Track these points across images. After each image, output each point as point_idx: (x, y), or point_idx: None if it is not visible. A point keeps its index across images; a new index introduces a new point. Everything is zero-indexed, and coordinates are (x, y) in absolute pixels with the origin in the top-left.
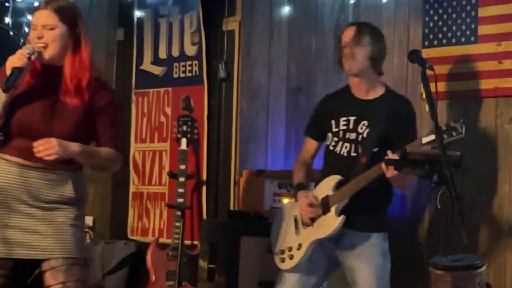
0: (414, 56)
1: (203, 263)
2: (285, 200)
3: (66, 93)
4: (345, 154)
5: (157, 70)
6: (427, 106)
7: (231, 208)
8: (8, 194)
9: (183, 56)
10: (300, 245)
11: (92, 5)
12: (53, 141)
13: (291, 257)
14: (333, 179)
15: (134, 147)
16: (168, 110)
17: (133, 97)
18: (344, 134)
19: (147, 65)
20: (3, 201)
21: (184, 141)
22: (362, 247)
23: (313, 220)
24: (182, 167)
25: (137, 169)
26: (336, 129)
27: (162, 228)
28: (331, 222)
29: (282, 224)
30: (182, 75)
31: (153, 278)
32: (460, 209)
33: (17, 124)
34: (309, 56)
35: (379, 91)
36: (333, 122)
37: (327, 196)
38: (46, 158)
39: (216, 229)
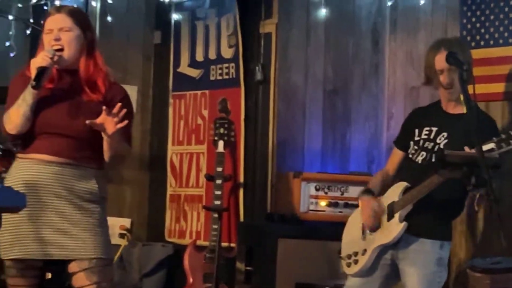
0: (451, 58)
1: (240, 265)
2: (322, 203)
3: (85, 92)
4: (420, 162)
5: (194, 73)
6: (464, 108)
7: (268, 211)
8: (44, 190)
9: (220, 59)
10: (365, 250)
11: (130, 9)
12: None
13: (356, 262)
14: (400, 186)
15: (172, 150)
16: (205, 113)
17: (170, 100)
18: (423, 143)
19: (184, 68)
20: (36, 199)
21: (221, 143)
22: (416, 252)
23: (378, 226)
24: (219, 169)
25: (174, 171)
26: (418, 138)
27: (199, 231)
28: (394, 228)
29: (352, 229)
30: (219, 77)
31: (191, 280)
32: (499, 211)
33: (43, 124)
34: (346, 59)
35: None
36: (416, 131)
37: (392, 203)
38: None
39: (253, 231)
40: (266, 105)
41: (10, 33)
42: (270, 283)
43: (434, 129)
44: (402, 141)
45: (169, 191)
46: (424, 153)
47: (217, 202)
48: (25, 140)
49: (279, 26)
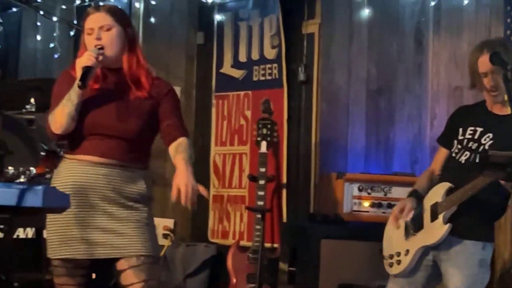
0: (495, 58)
1: (283, 266)
2: (366, 203)
3: (130, 90)
4: (463, 162)
5: (237, 73)
6: (509, 109)
7: (311, 211)
8: (92, 192)
9: (263, 59)
10: (407, 251)
11: (173, 10)
12: (182, 183)
13: (398, 262)
14: (443, 186)
15: (214, 150)
16: (248, 113)
17: (213, 101)
18: (467, 143)
19: (227, 69)
20: (85, 201)
21: (264, 144)
22: (457, 253)
23: (420, 226)
24: (262, 170)
25: (217, 172)
26: (462, 137)
27: (242, 231)
28: (438, 229)
29: (393, 229)
30: (262, 78)
31: (234, 280)
32: None
33: (91, 125)
34: (389, 58)
35: None
36: (460, 130)
37: (436, 203)
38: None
39: (296, 232)
40: (309, 106)
41: (54, 34)
42: (313, 284)
43: (479, 129)
44: (446, 139)
45: (212, 192)
46: (468, 153)
47: (260, 203)
48: (73, 141)
49: (322, 27)
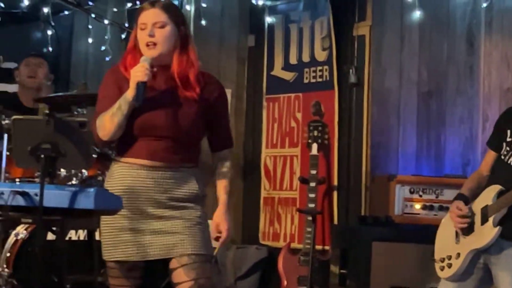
0: None
1: (334, 268)
2: (417, 206)
3: (178, 89)
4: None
5: (288, 76)
6: None
7: (362, 213)
8: (143, 195)
9: (313, 62)
10: (458, 254)
11: (224, 12)
12: (226, 235)
13: (449, 266)
14: (494, 189)
15: (265, 153)
16: (299, 115)
17: (264, 103)
18: None
19: (277, 71)
20: (137, 204)
21: (315, 146)
22: (508, 256)
23: (471, 229)
24: (313, 172)
25: (268, 174)
26: (510, 139)
27: (293, 233)
28: (488, 232)
29: (445, 232)
30: (312, 80)
31: (285, 283)
32: None
33: (140, 127)
34: (441, 61)
35: None
36: (508, 131)
37: (486, 206)
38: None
39: (347, 234)
40: (360, 108)
41: (106, 37)
42: (364, 286)
43: None
44: (494, 141)
45: (263, 194)
46: None
47: (311, 205)
48: (123, 143)
49: (373, 29)
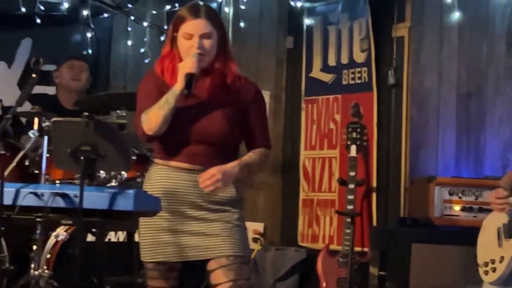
0: None
1: (373, 270)
2: (456, 207)
3: (216, 93)
4: None
5: (327, 77)
6: None
7: (401, 215)
8: (181, 198)
9: (352, 63)
10: (502, 258)
11: (262, 14)
12: (216, 173)
13: (494, 270)
14: None
15: (304, 154)
16: (338, 117)
17: (303, 105)
18: None
19: (316, 73)
20: (175, 206)
21: (353, 148)
22: None
23: None
24: (352, 173)
25: (307, 176)
26: None
27: (332, 235)
28: None
29: (486, 235)
30: (351, 82)
31: (324, 284)
32: None
33: (179, 130)
34: (480, 61)
35: None
36: None
37: None
38: (212, 190)
39: (386, 236)
40: (399, 109)
41: (145, 39)
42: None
43: None
44: None
45: (302, 196)
46: None
47: (350, 207)
48: (162, 145)
49: (411, 30)
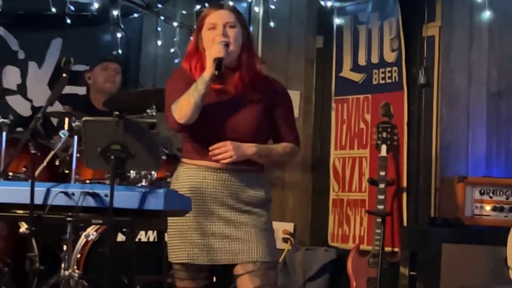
0: None
1: (404, 270)
2: (487, 207)
3: (244, 92)
4: None
5: (357, 77)
6: None
7: (432, 215)
8: (210, 198)
9: (382, 63)
10: None
11: (292, 14)
12: (229, 144)
13: None
14: None
15: (334, 154)
16: (368, 117)
17: (333, 104)
18: None
19: (346, 72)
20: (203, 206)
21: (384, 147)
22: None
23: None
24: (382, 173)
25: (337, 176)
26: None
27: (362, 235)
28: None
29: None
30: (381, 81)
31: (354, 284)
32: None
33: (207, 128)
34: (510, 60)
35: None
36: None
37: None
38: (222, 161)
39: (417, 236)
40: (429, 109)
41: (175, 39)
42: None
43: None
44: None
45: (332, 196)
46: None
47: (380, 207)
48: (190, 144)
49: (442, 29)
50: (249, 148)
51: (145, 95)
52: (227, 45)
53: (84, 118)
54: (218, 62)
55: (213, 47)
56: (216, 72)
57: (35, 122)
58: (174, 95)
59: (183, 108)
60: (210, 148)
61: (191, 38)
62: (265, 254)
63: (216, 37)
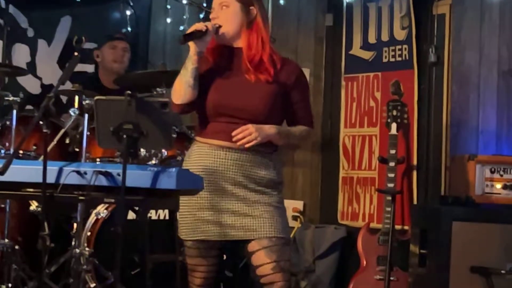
0: None
1: (414, 248)
2: (498, 185)
3: (251, 71)
4: None
5: (367, 55)
6: None
7: (442, 193)
8: (222, 176)
9: (392, 40)
10: None
11: None
12: (251, 127)
13: None
14: None
15: (344, 132)
16: (378, 95)
17: (343, 82)
18: None
19: (356, 50)
20: (215, 184)
21: (394, 125)
22: None
23: None
24: (392, 152)
25: (346, 154)
26: None
27: (372, 213)
28: None
29: None
30: (391, 59)
31: (364, 263)
32: None
33: (214, 106)
34: None
35: None
36: None
37: None
38: (247, 145)
39: (427, 214)
40: (439, 87)
41: (184, 17)
42: (445, 266)
43: None
44: None
45: (342, 174)
46: None
47: (390, 185)
48: (202, 124)
49: (453, 7)
50: (270, 129)
51: (155, 74)
52: (219, 27)
53: (96, 98)
54: (191, 32)
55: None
56: (181, 38)
57: (47, 101)
58: None
59: (177, 88)
60: (232, 134)
61: (201, 16)
62: (280, 230)
63: (212, 20)
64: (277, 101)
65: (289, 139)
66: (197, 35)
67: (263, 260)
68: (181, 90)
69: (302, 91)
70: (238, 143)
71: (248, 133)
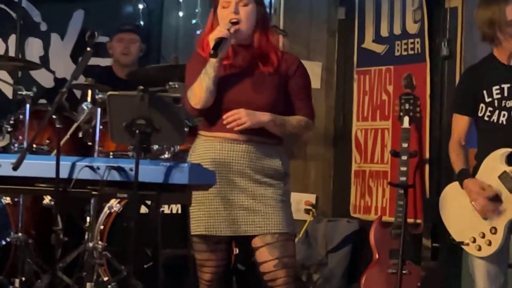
0: None
1: (426, 242)
2: None
3: (259, 67)
4: (504, 123)
5: (379, 48)
6: None
7: None
8: (229, 169)
9: (405, 34)
10: (494, 229)
11: None
12: (242, 111)
13: (489, 243)
14: (501, 154)
15: (356, 126)
16: (390, 88)
17: (355, 76)
18: (499, 103)
19: (368, 43)
20: (222, 178)
21: (406, 119)
22: None
23: (497, 200)
24: (405, 145)
25: (359, 147)
26: (490, 99)
27: (384, 207)
28: None
29: (458, 210)
30: (404, 53)
31: (376, 256)
32: None
33: (224, 101)
34: None
35: None
36: (484, 92)
37: (505, 173)
38: (236, 128)
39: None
40: (451, 81)
41: (196, 10)
42: (457, 260)
43: (506, 86)
44: (466, 106)
45: (354, 167)
46: (505, 112)
47: (403, 178)
48: (208, 117)
49: (465, 0)
50: (264, 116)
51: (167, 68)
52: (237, 23)
53: (109, 93)
54: (216, 42)
55: (216, 29)
56: (212, 52)
57: (60, 96)
58: (190, 79)
59: (197, 93)
60: (224, 117)
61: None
62: (283, 226)
63: (228, 15)
64: (280, 94)
65: (285, 128)
66: (224, 43)
67: (266, 257)
68: (202, 96)
69: (301, 82)
70: (228, 126)
71: (238, 117)
